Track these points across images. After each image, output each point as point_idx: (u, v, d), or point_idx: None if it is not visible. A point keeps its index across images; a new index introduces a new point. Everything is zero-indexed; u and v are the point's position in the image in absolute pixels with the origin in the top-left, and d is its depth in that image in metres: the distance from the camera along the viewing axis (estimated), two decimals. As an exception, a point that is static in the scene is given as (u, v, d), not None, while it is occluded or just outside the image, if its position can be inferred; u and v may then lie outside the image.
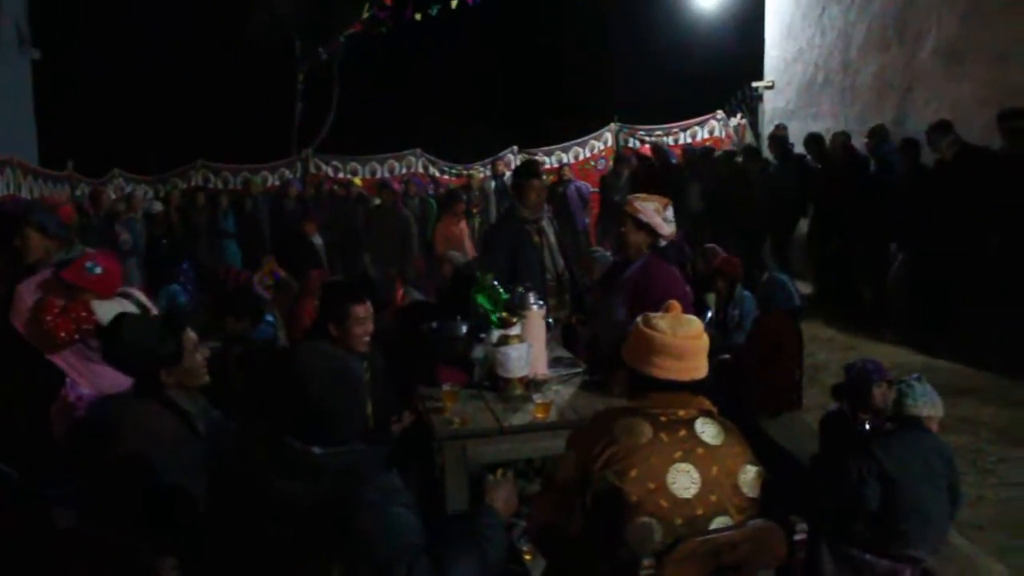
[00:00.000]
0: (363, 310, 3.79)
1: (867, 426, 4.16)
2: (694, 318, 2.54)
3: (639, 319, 2.54)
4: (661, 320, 2.48)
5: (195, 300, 8.78)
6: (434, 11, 14.51)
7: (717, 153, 11.58)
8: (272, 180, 14.23)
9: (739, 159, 10.84)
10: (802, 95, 11.41)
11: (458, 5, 13.97)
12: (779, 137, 10.19)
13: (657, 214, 4.16)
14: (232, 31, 18.74)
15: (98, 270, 3.70)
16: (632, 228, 4.19)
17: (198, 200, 12.43)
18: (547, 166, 13.85)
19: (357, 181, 13.34)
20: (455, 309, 4.51)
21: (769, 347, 5.60)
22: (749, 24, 13.72)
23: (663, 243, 4.23)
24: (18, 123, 12.94)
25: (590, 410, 3.60)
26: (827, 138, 9.40)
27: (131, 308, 3.77)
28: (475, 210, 12.16)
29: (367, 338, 3.84)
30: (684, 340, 2.44)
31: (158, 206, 12.10)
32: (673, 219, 4.27)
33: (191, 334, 2.99)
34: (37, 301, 3.66)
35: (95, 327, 3.65)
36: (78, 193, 12.70)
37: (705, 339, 2.50)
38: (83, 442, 3.46)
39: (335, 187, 13.28)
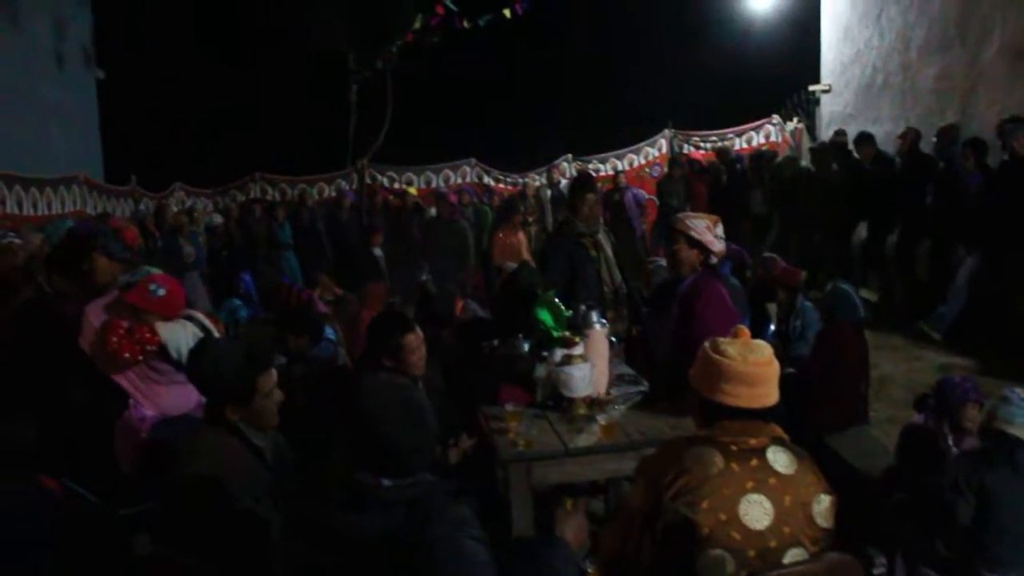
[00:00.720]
0: (415, 339, 3.79)
1: (950, 442, 4.06)
2: (764, 343, 2.49)
3: (707, 344, 2.50)
4: (730, 346, 2.44)
5: (256, 313, 8.92)
6: (483, 21, 14.57)
7: (778, 159, 11.41)
8: (329, 191, 14.43)
9: (803, 163, 10.66)
10: (860, 98, 11.21)
11: (510, 14, 14.01)
12: (839, 143, 9.99)
13: (708, 231, 4.17)
14: (287, 46, 19.01)
15: (161, 292, 3.75)
16: (685, 246, 4.21)
17: (255, 212, 12.63)
18: (602, 173, 13.86)
19: (412, 191, 13.42)
20: (511, 321, 4.52)
21: (834, 360, 5.49)
22: (804, 26, 13.52)
23: (714, 260, 4.23)
24: (85, 141, 13.31)
25: (656, 431, 3.58)
26: (887, 140, 9.23)
27: (195, 331, 3.81)
28: (531, 219, 12.15)
29: (422, 363, 3.84)
30: (754, 367, 2.40)
31: (218, 219, 12.34)
32: (723, 236, 4.29)
33: (272, 376, 2.99)
34: (103, 323, 3.72)
35: (159, 348, 3.70)
36: (142, 207, 13.02)
37: (776, 365, 2.45)
38: (154, 464, 3.52)
39: (390, 197, 13.37)
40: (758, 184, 10.82)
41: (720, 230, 4.24)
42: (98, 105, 14.05)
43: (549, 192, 12.88)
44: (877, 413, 5.90)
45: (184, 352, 3.62)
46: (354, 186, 14.29)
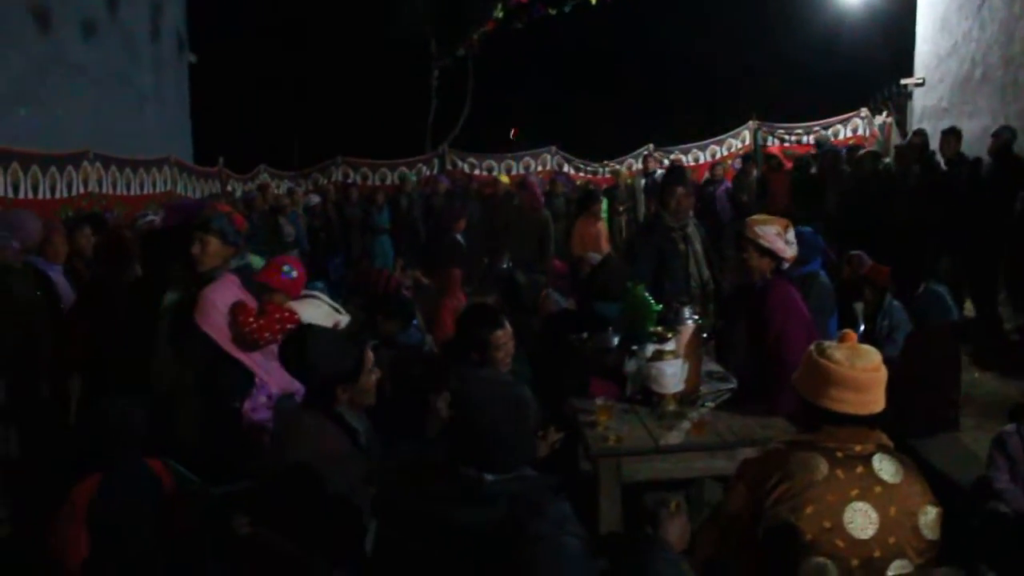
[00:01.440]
0: (503, 335, 3.72)
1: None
2: (872, 349, 2.44)
3: (813, 348, 2.46)
4: (837, 351, 2.39)
5: (342, 297, 9.02)
6: (568, 7, 14.51)
7: (860, 152, 11.07)
8: (410, 176, 14.57)
9: (887, 160, 10.31)
10: (956, 92, 10.84)
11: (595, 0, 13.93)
12: (917, 145, 9.59)
13: (779, 238, 4.04)
14: (371, 32, 19.27)
15: (294, 274, 3.90)
16: (755, 254, 4.08)
17: (351, 195, 12.84)
18: (685, 164, 13.70)
19: (504, 179, 13.37)
20: (596, 313, 4.50)
21: (925, 363, 5.37)
22: (897, 18, 13.15)
23: (786, 265, 4.11)
24: (176, 123, 13.70)
25: (747, 430, 3.56)
26: (984, 136, 8.86)
27: (328, 309, 3.90)
28: (621, 208, 12.05)
29: (509, 359, 3.79)
30: (862, 372, 2.35)
31: (316, 199, 12.58)
32: (795, 240, 4.14)
33: (370, 353, 3.05)
34: (234, 304, 3.75)
35: (297, 325, 3.76)
36: (228, 188, 13.36)
37: (884, 371, 2.40)
38: (256, 447, 3.61)
39: (477, 184, 13.45)
40: (836, 182, 10.49)
41: (791, 235, 4.09)
42: (189, 88, 14.44)
43: (643, 181, 12.73)
44: (966, 419, 5.73)
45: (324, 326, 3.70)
46: (435, 171, 14.43)
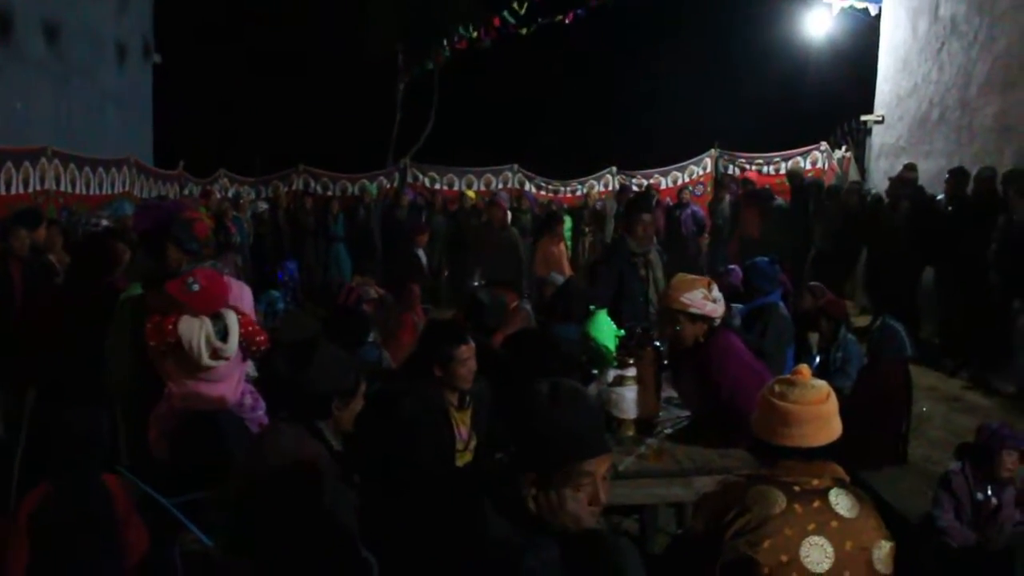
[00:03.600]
0: (467, 351, 3.67)
1: (989, 494, 4.00)
2: (815, 382, 2.46)
3: (765, 388, 2.51)
4: (777, 385, 2.46)
5: (295, 303, 8.92)
6: (531, 28, 14.67)
7: (845, 187, 11.16)
8: (370, 187, 14.53)
9: (874, 191, 10.36)
10: (914, 131, 11.07)
11: (560, 21, 14.13)
12: (908, 180, 9.58)
13: (706, 300, 3.92)
14: (338, 43, 19.22)
15: (196, 287, 3.71)
16: (687, 323, 3.94)
17: (306, 204, 12.81)
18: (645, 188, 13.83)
19: (470, 194, 13.34)
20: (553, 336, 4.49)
21: (878, 397, 5.47)
22: (859, 57, 13.41)
23: (718, 323, 4.01)
24: (138, 124, 13.57)
25: (705, 459, 3.57)
26: (939, 176, 9.03)
27: (209, 330, 3.71)
28: (587, 229, 12.06)
29: (471, 376, 3.73)
30: (795, 405, 2.39)
31: (263, 206, 12.49)
32: (720, 296, 4.03)
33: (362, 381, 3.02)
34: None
35: (176, 341, 3.69)
36: (186, 192, 13.21)
37: (828, 404, 2.43)
38: (194, 454, 3.53)
39: (442, 199, 13.48)
40: (823, 215, 10.58)
41: (716, 291, 4.00)
42: (152, 90, 14.30)
43: (615, 205, 12.76)
44: (913, 452, 5.83)
45: (196, 347, 3.61)
46: (395, 184, 14.39)
